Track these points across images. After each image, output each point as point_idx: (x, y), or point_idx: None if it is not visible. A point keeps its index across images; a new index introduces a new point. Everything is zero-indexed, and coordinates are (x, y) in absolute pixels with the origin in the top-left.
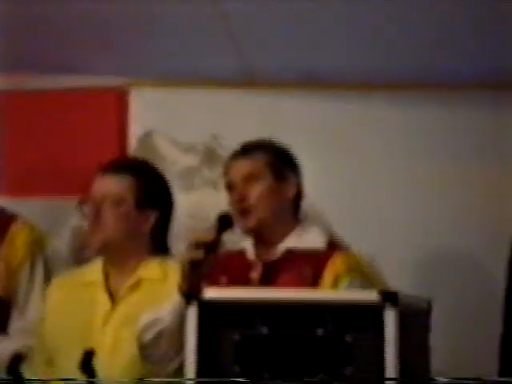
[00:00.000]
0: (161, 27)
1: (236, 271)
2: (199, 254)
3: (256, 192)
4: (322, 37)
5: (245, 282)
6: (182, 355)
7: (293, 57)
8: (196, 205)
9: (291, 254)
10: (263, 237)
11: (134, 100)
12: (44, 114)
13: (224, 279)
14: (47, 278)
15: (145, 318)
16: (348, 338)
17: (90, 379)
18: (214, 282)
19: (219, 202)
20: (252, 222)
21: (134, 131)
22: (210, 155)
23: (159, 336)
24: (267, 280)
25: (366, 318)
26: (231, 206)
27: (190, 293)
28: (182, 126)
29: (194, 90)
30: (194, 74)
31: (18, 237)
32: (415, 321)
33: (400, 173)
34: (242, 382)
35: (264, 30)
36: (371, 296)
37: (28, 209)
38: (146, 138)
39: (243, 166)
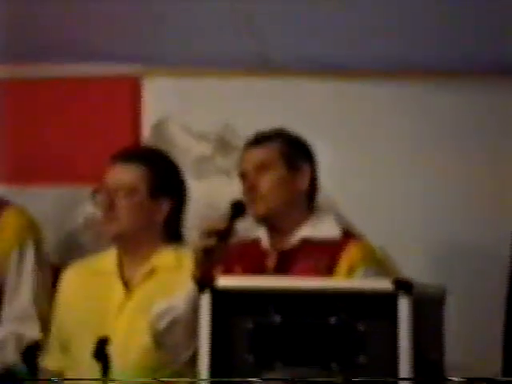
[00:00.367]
0: (174, 15)
1: (251, 260)
2: (212, 241)
3: (267, 181)
4: (337, 23)
5: (260, 270)
6: (196, 343)
7: (307, 44)
8: (209, 193)
9: (306, 243)
10: (275, 226)
11: (148, 88)
12: (57, 103)
13: (239, 268)
14: (40, 263)
15: (159, 306)
16: (361, 327)
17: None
18: (229, 271)
19: (232, 190)
20: (262, 210)
21: (148, 120)
22: (223, 143)
23: (173, 324)
24: (282, 269)
25: (379, 306)
26: (244, 194)
27: (204, 281)
28: (196, 115)
29: (207, 79)
30: (207, 63)
31: (8, 223)
32: (429, 309)
33: (414, 162)
34: (256, 382)
35: (278, 17)
36: (385, 284)
37: (41, 197)
38: (160, 126)
39: (256, 155)
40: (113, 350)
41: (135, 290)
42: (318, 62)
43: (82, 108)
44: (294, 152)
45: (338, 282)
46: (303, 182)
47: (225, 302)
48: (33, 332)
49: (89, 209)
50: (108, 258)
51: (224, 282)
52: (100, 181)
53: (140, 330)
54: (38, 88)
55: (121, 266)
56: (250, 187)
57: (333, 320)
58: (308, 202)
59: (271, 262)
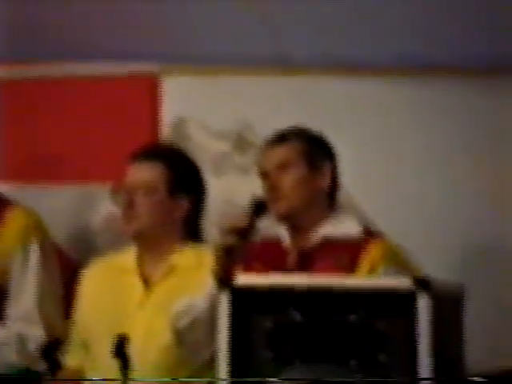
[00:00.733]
0: (193, 14)
1: (271, 258)
2: (233, 239)
3: (288, 180)
4: (357, 22)
5: (280, 269)
6: (216, 342)
7: (327, 42)
8: (228, 190)
9: (327, 242)
10: (296, 224)
11: (166, 87)
12: (77, 101)
13: (259, 266)
14: (46, 263)
15: (179, 305)
16: (381, 325)
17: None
18: (249, 269)
19: (251, 187)
20: (283, 209)
21: (166, 118)
22: (241, 141)
23: (194, 322)
24: (303, 267)
25: (399, 304)
26: (265, 193)
27: (224, 279)
28: (214, 113)
29: (226, 77)
30: (226, 61)
31: (13, 223)
32: (449, 307)
33: (437, 160)
34: (277, 382)
35: (298, 15)
36: (404, 283)
37: (60, 196)
38: (178, 124)
39: (277, 154)
40: (132, 348)
41: (155, 288)
42: (336, 59)
43: (102, 107)
44: (314, 150)
45: (356, 280)
46: (324, 181)
47: (244, 300)
48: (36, 333)
49: (108, 207)
50: (128, 256)
51: (244, 280)
52: (119, 179)
53: (160, 327)
54: (57, 87)
55: (141, 263)
56: (272, 186)
57: (352, 318)
58: (329, 200)
59: (292, 260)
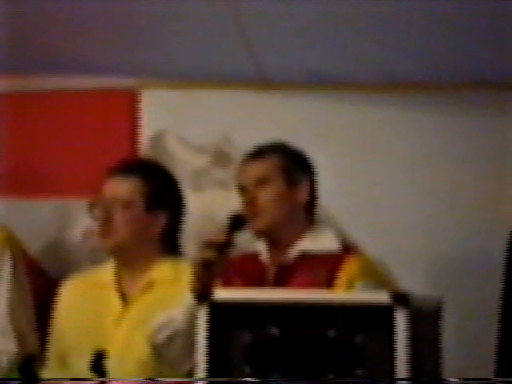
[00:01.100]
0: (173, 28)
1: (250, 274)
2: (211, 254)
3: (266, 195)
4: (335, 38)
5: (259, 284)
6: (194, 356)
7: (305, 58)
8: (207, 205)
9: (305, 257)
10: (275, 239)
11: (145, 101)
12: (55, 115)
13: (238, 281)
14: (18, 278)
15: (158, 319)
16: (359, 339)
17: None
18: (228, 284)
19: (230, 202)
20: (261, 224)
21: (145, 132)
22: (220, 156)
23: (172, 337)
24: (281, 282)
25: (376, 319)
26: (243, 208)
27: (202, 294)
28: (194, 127)
29: (205, 91)
30: (205, 75)
31: None
32: (426, 321)
33: (412, 174)
34: (253, 382)
35: (276, 30)
36: (382, 297)
37: (38, 210)
38: (158, 138)
39: (255, 169)
40: (110, 363)
41: (133, 303)
42: (315, 75)
43: (80, 121)
44: (293, 166)
45: (335, 294)
46: (302, 196)
47: (222, 314)
48: (9, 346)
49: (87, 222)
50: (105, 271)
51: (222, 294)
52: (97, 194)
53: (137, 342)
54: (34, 101)
55: (118, 278)
56: (250, 201)
57: (331, 332)
58: (307, 215)
59: (270, 275)
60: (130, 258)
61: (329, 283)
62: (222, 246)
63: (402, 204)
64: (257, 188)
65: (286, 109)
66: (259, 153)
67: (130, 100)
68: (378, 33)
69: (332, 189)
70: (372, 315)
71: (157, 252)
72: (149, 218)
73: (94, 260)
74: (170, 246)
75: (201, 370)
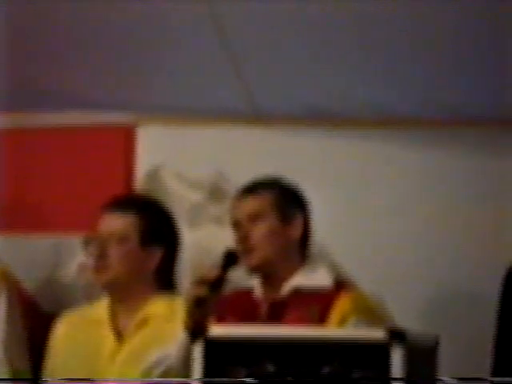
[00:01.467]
0: (168, 64)
1: (243, 310)
2: (204, 290)
3: (260, 231)
4: (332, 74)
5: (252, 320)
6: None
7: (301, 93)
8: (202, 241)
9: (298, 293)
10: (268, 275)
11: (141, 137)
12: (51, 151)
13: (231, 318)
14: (13, 313)
15: (152, 356)
16: (355, 376)
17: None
18: (221, 320)
19: (225, 238)
20: (255, 261)
21: (141, 168)
22: (216, 191)
23: (166, 374)
24: (274, 319)
25: (372, 356)
26: (236, 244)
27: (196, 330)
28: (189, 163)
29: (200, 127)
30: (201, 111)
31: None
32: (422, 358)
33: (409, 210)
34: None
35: (272, 67)
36: (378, 334)
37: (33, 246)
38: (153, 174)
39: (249, 205)
40: None
41: (127, 340)
42: (312, 111)
43: (76, 156)
44: (286, 201)
45: (332, 331)
46: (296, 232)
47: (218, 351)
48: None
49: (81, 257)
50: (100, 308)
51: (217, 331)
52: (92, 229)
53: (132, 379)
54: (29, 137)
55: (113, 315)
56: (243, 237)
57: (326, 369)
58: (301, 250)
59: (263, 311)
60: (124, 294)
61: (321, 320)
62: (215, 283)
63: (398, 240)
64: (250, 224)
65: (280, 144)
66: (253, 188)
67: (126, 136)
68: (373, 69)
69: (327, 224)
70: (368, 352)
71: (152, 288)
72: (144, 254)
73: (89, 296)
74: (165, 281)
75: None
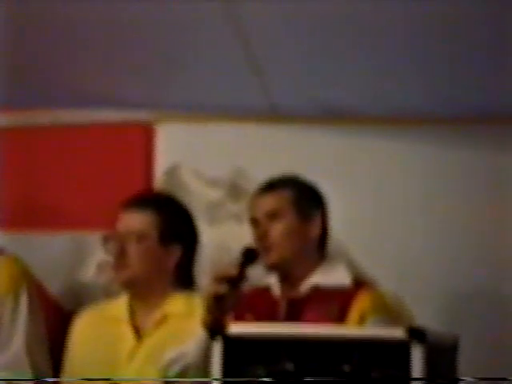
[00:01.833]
0: (187, 62)
1: (261, 308)
2: (223, 288)
3: (278, 230)
4: (347, 71)
5: (270, 318)
6: None
7: (319, 91)
8: (221, 238)
9: (317, 292)
10: (287, 274)
11: (160, 134)
12: (70, 149)
13: (249, 315)
14: (33, 312)
15: (170, 353)
16: (375, 375)
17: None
18: (240, 318)
19: (244, 235)
20: (273, 259)
21: (160, 165)
22: (235, 189)
23: (184, 371)
24: (292, 317)
25: (392, 354)
26: (255, 241)
27: (215, 328)
28: (208, 160)
29: (219, 124)
30: (219, 109)
31: (2, 271)
32: (442, 357)
33: (429, 208)
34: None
35: (290, 64)
36: (398, 333)
37: (53, 244)
38: (172, 172)
39: (267, 203)
40: None
41: (146, 338)
42: (329, 108)
43: (95, 154)
44: (305, 199)
45: (351, 329)
46: (315, 230)
47: (237, 349)
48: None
49: (100, 255)
50: (119, 305)
51: (236, 329)
52: (112, 227)
53: (151, 376)
54: (51, 135)
55: (132, 312)
56: (262, 235)
57: (346, 368)
58: (319, 248)
59: (281, 309)
60: (143, 292)
61: (340, 318)
62: (235, 281)
63: (418, 238)
64: (269, 222)
65: (298, 142)
66: (271, 186)
67: (145, 133)
68: (385, 67)
69: (344, 222)
70: (387, 351)
71: (171, 286)
72: (163, 252)
73: (108, 293)
74: (183, 279)
75: None
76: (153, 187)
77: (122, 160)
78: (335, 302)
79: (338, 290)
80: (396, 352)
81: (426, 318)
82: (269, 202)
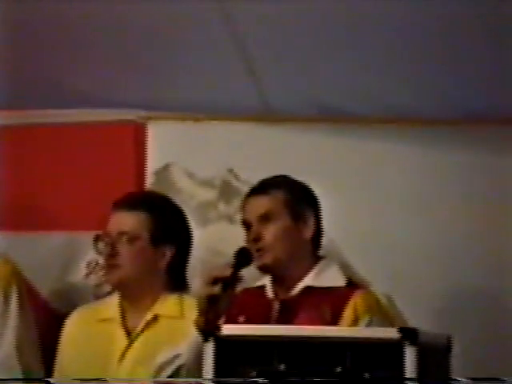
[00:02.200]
0: (179, 61)
1: (254, 309)
2: (216, 289)
3: (271, 232)
4: (341, 71)
5: (264, 319)
6: None
7: (310, 91)
8: (213, 239)
9: (310, 292)
10: (280, 275)
11: (151, 134)
12: (61, 148)
13: (242, 317)
14: (23, 311)
15: (163, 355)
16: (367, 376)
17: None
18: (232, 320)
19: (236, 236)
20: (267, 261)
21: (151, 165)
22: (226, 189)
23: (177, 373)
24: (285, 318)
25: (385, 355)
26: (248, 243)
27: (208, 329)
28: (200, 160)
29: (211, 124)
30: (212, 109)
31: None
32: (435, 358)
33: (424, 208)
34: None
35: (283, 65)
36: (390, 333)
37: (43, 244)
38: (164, 171)
39: (260, 205)
40: None
41: (138, 339)
42: (321, 108)
43: (85, 154)
44: (297, 200)
45: (343, 330)
46: (308, 231)
47: (229, 350)
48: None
49: (91, 256)
50: (110, 306)
51: (228, 330)
52: (103, 228)
53: (141, 377)
54: (39, 134)
55: (123, 313)
56: (255, 237)
57: (338, 369)
58: (312, 250)
59: (275, 310)
60: (135, 293)
61: (333, 319)
62: (228, 282)
63: (410, 238)
64: (261, 223)
65: (291, 142)
66: (263, 188)
67: (136, 133)
68: (381, 67)
69: (338, 223)
70: (380, 352)
71: (162, 287)
72: (154, 252)
73: (99, 294)
74: (175, 280)
75: None
76: (144, 187)
77: (113, 160)
78: (328, 303)
79: (331, 291)
80: (389, 353)
81: (423, 319)
82: (261, 204)
